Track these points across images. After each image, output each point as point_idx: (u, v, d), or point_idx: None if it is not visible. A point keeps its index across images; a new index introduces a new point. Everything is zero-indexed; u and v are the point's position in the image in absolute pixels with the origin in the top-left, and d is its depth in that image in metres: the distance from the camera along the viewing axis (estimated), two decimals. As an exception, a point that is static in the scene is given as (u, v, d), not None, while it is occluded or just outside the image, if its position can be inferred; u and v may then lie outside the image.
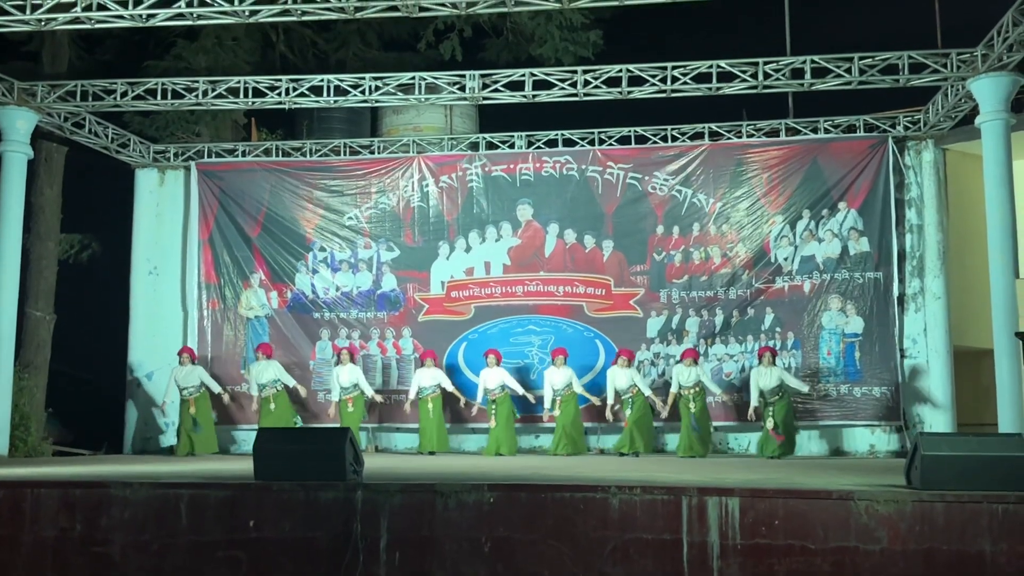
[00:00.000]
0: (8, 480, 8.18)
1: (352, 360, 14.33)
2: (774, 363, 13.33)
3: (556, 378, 13.75)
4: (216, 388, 14.36)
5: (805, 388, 13.52)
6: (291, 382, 14.32)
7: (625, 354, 13.75)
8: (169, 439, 14.85)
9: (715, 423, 14.01)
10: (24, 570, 7.72)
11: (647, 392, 13.61)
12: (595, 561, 7.28)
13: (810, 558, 7.05)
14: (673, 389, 13.53)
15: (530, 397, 14.04)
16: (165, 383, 14.68)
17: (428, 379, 14.11)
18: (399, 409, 14.65)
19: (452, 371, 14.66)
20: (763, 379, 13.16)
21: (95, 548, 7.70)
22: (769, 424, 12.98)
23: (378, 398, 14.35)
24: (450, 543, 7.44)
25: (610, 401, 13.62)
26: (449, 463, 11.49)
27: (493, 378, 13.96)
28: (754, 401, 13.19)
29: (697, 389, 13.39)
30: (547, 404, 13.86)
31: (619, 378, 13.59)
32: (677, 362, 13.77)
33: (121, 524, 7.70)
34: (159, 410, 14.82)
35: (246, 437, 14.75)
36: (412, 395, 14.21)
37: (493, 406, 13.84)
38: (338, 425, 13.37)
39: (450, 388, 14.16)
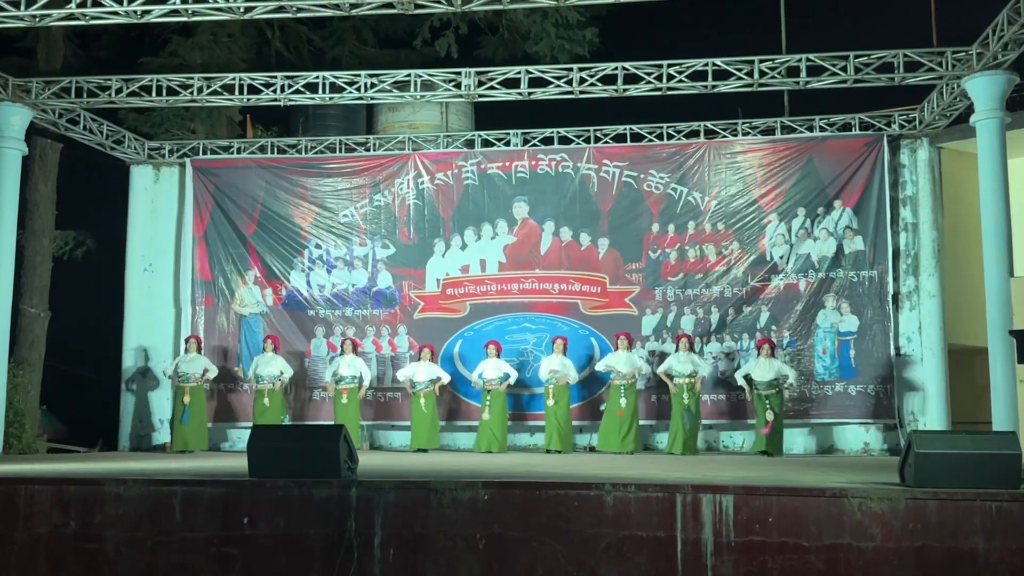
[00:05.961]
0: (2, 477, 8.16)
1: (355, 351, 14.32)
2: (773, 355, 13.33)
3: (553, 365, 13.59)
4: (214, 371, 14.39)
5: (793, 373, 13.42)
6: (289, 375, 14.36)
7: (625, 336, 13.69)
8: (164, 436, 14.83)
9: (708, 421, 14.04)
10: (17, 567, 7.70)
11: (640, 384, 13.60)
12: (589, 558, 7.28)
13: (804, 555, 7.06)
14: (662, 369, 13.53)
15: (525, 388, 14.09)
16: (159, 379, 15.07)
17: (423, 374, 13.99)
18: (394, 406, 14.64)
19: (447, 369, 14.62)
20: (759, 370, 13.16)
21: (89, 545, 7.68)
22: (769, 416, 12.96)
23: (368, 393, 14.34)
24: (444, 540, 7.43)
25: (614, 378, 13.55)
26: (443, 460, 11.48)
27: (493, 368, 13.87)
28: (740, 380, 13.40)
29: (691, 380, 13.33)
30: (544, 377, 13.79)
31: (620, 362, 13.51)
32: (675, 351, 13.69)
33: (115, 521, 7.69)
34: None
35: (239, 435, 14.77)
36: (403, 378, 14.17)
37: (488, 398, 13.71)
38: (331, 421, 13.41)
39: (446, 379, 14.11)
